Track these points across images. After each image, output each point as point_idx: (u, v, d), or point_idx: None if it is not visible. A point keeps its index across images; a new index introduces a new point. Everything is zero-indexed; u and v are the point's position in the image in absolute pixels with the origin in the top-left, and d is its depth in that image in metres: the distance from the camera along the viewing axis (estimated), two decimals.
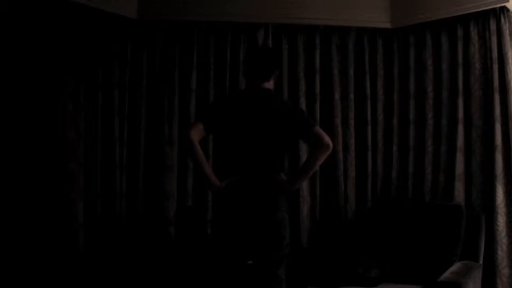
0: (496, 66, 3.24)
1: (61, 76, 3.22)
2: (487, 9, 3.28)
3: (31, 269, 3.00)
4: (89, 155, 3.34)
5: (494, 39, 3.26)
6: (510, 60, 3.22)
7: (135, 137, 3.56)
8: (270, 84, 2.60)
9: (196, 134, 2.46)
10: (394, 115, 3.74)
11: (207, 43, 3.66)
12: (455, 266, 2.93)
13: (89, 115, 3.37)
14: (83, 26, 3.34)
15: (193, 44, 3.64)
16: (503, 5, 3.22)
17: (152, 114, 3.60)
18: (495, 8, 3.26)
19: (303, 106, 3.65)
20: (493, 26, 3.27)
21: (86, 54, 3.36)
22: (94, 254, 3.28)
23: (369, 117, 3.74)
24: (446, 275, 2.78)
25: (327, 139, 2.49)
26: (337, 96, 3.71)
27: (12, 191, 2.99)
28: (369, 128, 3.73)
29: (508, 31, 3.25)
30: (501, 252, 3.18)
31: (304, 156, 3.62)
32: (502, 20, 3.25)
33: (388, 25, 3.72)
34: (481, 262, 3.08)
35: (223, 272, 2.52)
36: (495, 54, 3.25)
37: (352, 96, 3.73)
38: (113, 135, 3.45)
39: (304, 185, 3.62)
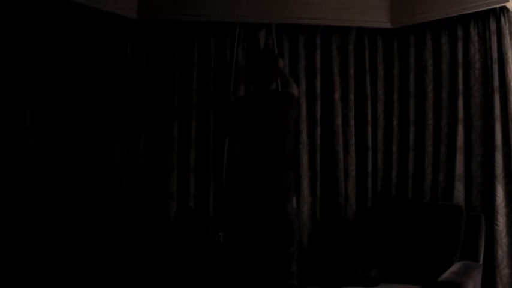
0: (496, 66, 3.24)
1: (61, 76, 3.22)
2: (487, 9, 3.28)
3: (39, 271, 3.01)
4: (89, 155, 3.34)
5: (494, 39, 3.26)
6: (510, 60, 3.22)
7: (135, 136, 3.56)
8: (273, 86, 2.95)
9: None
10: (394, 115, 3.74)
11: (207, 43, 3.65)
12: (455, 266, 2.93)
13: (89, 115, 3.37)
14: (83, 26, 3.34)
15: (193, 43, 3.64)
16: (503, 5, 3.22)
17: (152, 113, 3.60)
18: (495, 8, 3.25)
19: (304, 106, 3.65)
20: (493, 26, 3.27)
21: (86, 54, 3.36)
22: (94, 253, 3.28)
23: (369, 117, 3.74)
24: (446, 275, 2.78)
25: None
26: (337, 96, 3.71)
27: (11, 190, 3.00)
28: (369, 127, 3.74)
29: (508, 31, 3.24)
30: (501, 252, 3.18)
31: (305, 157, 3.63)
32: (502, 20, 3.24)
33: (388, 25, 3.72)
34: (481, 262, 3.08)
35: (237, 266, 2.71)
36: (495, 54, 3.24)
37: (352, 96, 3.73)
38: (113, 135, 3.45)
39: (305, 185, 3.63)
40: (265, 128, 2.80)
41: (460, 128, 3.38)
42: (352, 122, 3.73)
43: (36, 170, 3.09)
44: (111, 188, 3.43)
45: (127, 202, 3.50)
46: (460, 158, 3.37)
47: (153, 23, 3.62)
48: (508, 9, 3.25)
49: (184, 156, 3.57)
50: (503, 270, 3.18)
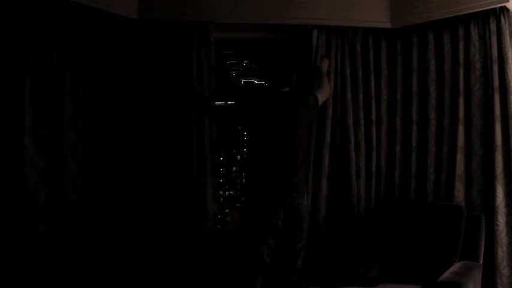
0: (496, 66, 3.24)
1: (61, 76, 3.22)
2: (487, 9, 3.27)
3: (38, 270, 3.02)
4: (89, 155, 3.34)
5: (494, 39, 3.25)
6: (510, 60, 3.22)
7: (135, 136, 3.56)
8: (286, 88, 3.08)
9: None
10: (397, 115, 3.74)
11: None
12: (455, 266, 2.93)
13: (89, 115, 3.37)
14: (82, 26, 3.34)
15: (193, 43, 3.63)
16: (503, 5, 3.21)
17: (152, 114, 3.60)
18: (495, 8, 3.25)
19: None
20: (493, 26, 3.26)
21: (86, 54, 3.37)
22: (94, 253, 3.28)
23: (374, 117, 3.74)
24: (446, 275, 2.79)
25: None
26: (349, 96, 3.70)
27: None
28: (374, 128, 3.73)
29: (508, 31, 3.24)
30: (501, 252, 3.18)
31: (326, 157, 3.62)
32: (502, 20, 3.24)
33: (388, 25, 3.72)
34: (481, 262, 3.08)
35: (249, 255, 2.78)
36: (495, 54, 3.24)
37: (361, 96, 3.73)
38: (113, 135, 3.45)
39: (324, 185, 3.63)
40: (276, 127, 2.91)
41: (461, 128, 3.38)
42: (362, 122, 3.72)
43: (36, 170, 3.09)
44: (111, 188, 3.43)
45: (127, 202, 3.50)
46: (460, 158, 3.37)
47: (153, 23, 3.62)
48: (508, 9, 3.25)
49: (184, 156, 3.57)
50: (503, 270, 3.18)
